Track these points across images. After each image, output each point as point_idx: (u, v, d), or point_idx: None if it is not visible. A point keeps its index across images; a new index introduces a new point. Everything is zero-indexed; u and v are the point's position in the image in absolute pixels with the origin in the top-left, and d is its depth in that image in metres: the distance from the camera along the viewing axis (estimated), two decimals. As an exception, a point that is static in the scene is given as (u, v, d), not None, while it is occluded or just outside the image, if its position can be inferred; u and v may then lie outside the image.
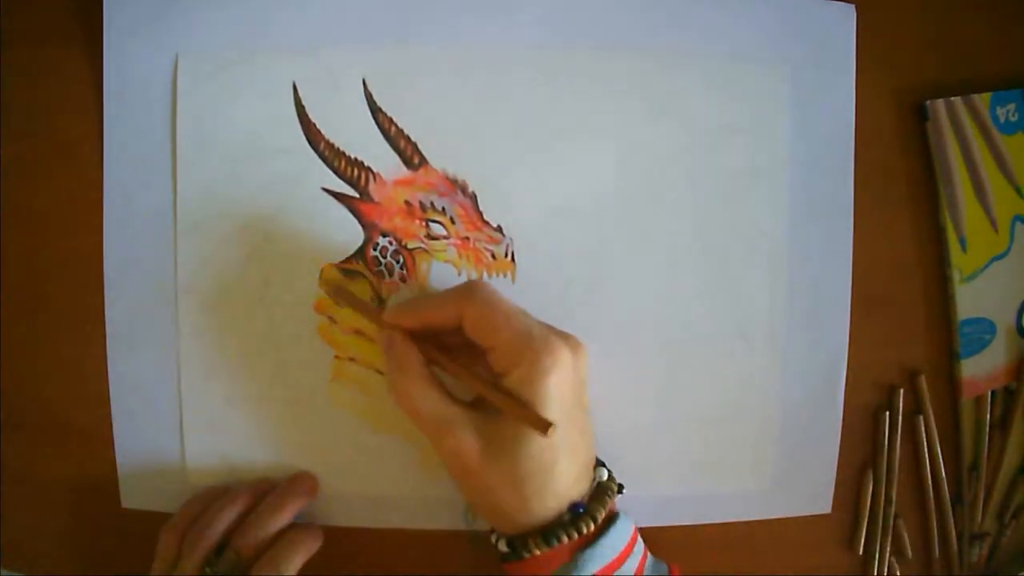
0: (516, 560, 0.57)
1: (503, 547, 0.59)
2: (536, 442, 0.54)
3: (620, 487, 0.62)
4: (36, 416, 0.69)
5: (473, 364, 0.60)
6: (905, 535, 0.72)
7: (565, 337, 0.56)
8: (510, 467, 0.55)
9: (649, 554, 0.62)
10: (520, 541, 0.57)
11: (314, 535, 0.65)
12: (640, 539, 0.61)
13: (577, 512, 0.57)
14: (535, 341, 0.54)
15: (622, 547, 0.58)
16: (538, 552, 0.56)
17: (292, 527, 0.65)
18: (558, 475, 0.55)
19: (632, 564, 0.59)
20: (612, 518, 0.59)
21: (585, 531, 0.56)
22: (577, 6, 0.67)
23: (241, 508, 0.64)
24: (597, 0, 0.67)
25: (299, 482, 0.66)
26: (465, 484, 0.58)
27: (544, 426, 0.52)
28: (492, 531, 0.61)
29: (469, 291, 0.57)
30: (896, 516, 0.72)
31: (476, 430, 0.55)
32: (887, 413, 0.71)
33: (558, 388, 0.54)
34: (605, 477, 0.60)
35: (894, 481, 0.71)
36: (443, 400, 0.57)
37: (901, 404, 0.71)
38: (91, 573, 0.70)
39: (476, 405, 0.58)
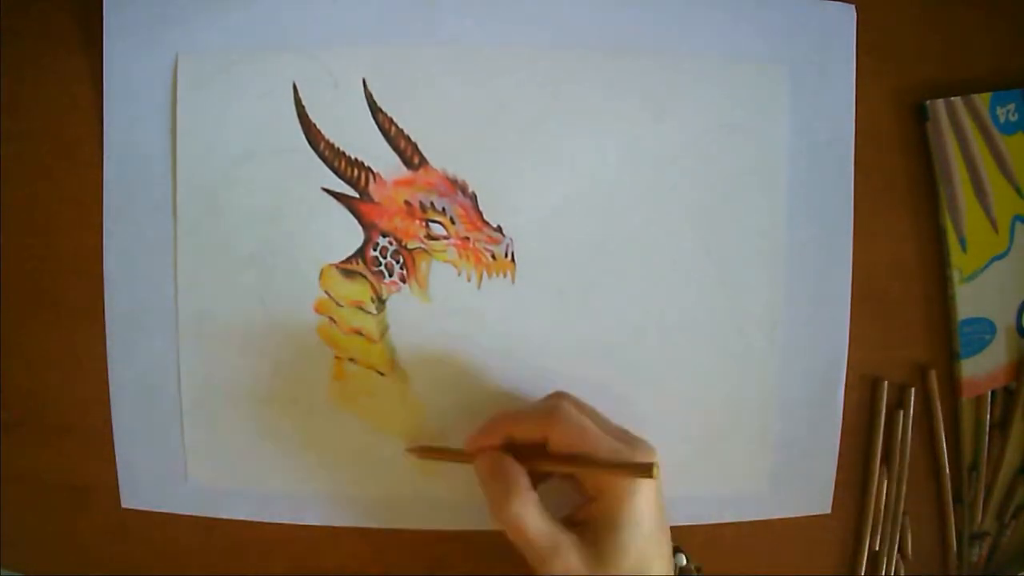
0: None
1: None
2: (635, 554, 0.55)
3: (698, 568, 0.64)
4: (36, 415, 0.69)
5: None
6: (908, 535, 0.72)
7: (643, 449, 0.58)
8: None
9: None
10: None
11: None
12: None
13: None
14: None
15: None
16: None
17: None
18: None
19: None
20: None
21: None
22: (577, 7, 0.67)
23: None
24: (597, 1, 0.67)
25: None
26: None
27: (648, 470, 0.53)
28: None
29: (555, 411, 0.58)
30: (897, 516, 0.72)
31: (580, 551, 0.56)
32: (887, 413, 0.71)
33: (646, 504, 0.56)
34: (684, 562, 0.63)
35: (895, 481, 0.71)
36: (549, 523, 0.57)
37: (901, 404, 0.71)
38: (91, 573, 0.70)
39: (574, 524, 0.58)
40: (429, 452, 0.67)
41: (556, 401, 0.60)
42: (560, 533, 0.56)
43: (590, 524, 0.57)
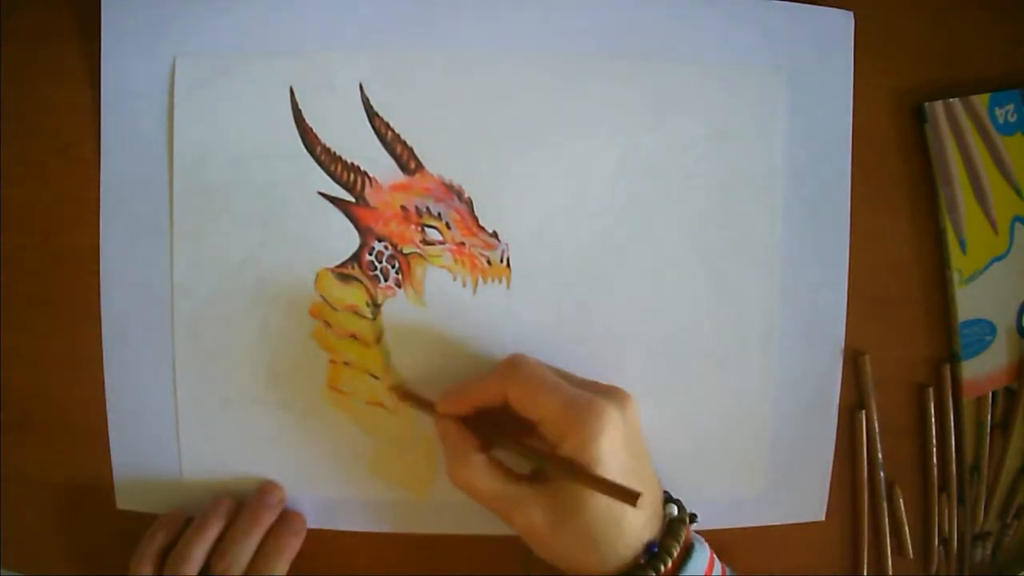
0: None
1: None
2: (601, 502, 0.55)
3: (693, 516, 0.63)
4: (35, 416, 0.70)
5: (528, 437, 0.60)
6: (907, 535, 0.72)
7: (610, 394, 0.58)
8: (581, 530, 0.55)
9: (728, 570, 0.63)
10: None
11: (297, 529, 0.67)
12: (717, 561, 0.61)
13: (652, 552, 0.57)
14: (580, 408, 0.55)
15: (701, 574, 0.59)
16: None
17: (272, 529, 0.66)
18: (627, 527, 0.56)
19: None
20: (689, 549, 0.59)
21: (663, 569, 0.56)
22: (575, 12, 0.66)
23: (215, 533, 0.65)
24: (594, 6, 0.67)
25: (267, 495, 0.67)
26: (541, 550, 0.58)
27: (633, 498, 0.52)
28: None
29: (510, 369, 0.59)
30: (897, 516, 0.72)
31: (541, 503, 0.56)
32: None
33: (611, 448, 0.55)
34: (675, 512, 0.61)
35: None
36: (503, 480, 0.58)
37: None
38: (89, 573, 0.71)
39: (535, 476, 0.59)
40: (411, 396, 0.66)
41: (512, 358, 0.60)
42: (517, 489, 0.57)
43: (552, 474, 0.57)
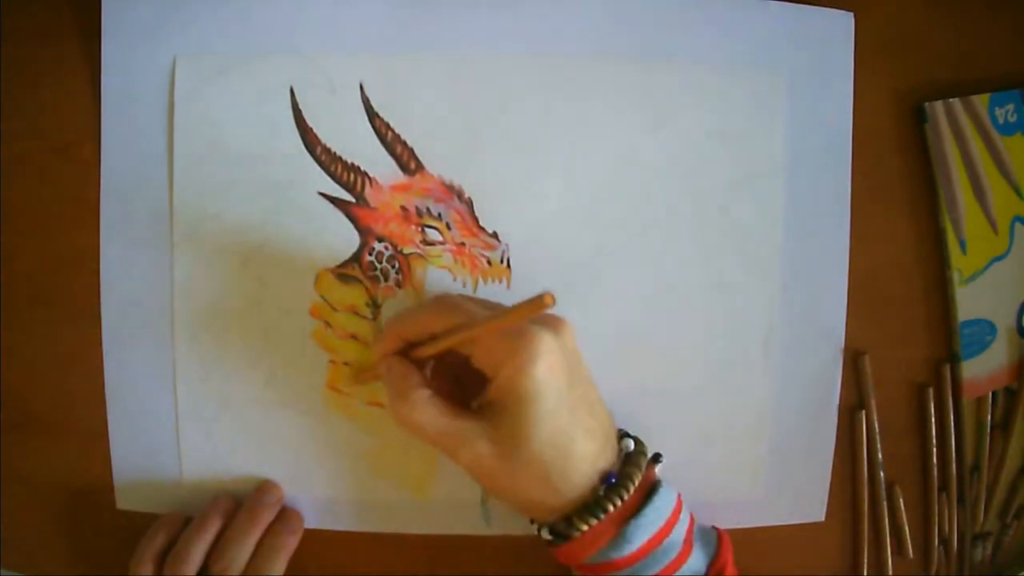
0: (565, 541, 0.57)
1: (546, 535, 0.59)
2: (547, 429, 0.53)
3: (657, 456, 0.62)
4: (35, 416, 0.69)
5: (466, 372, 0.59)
6: (907, 535, 0.72)
7: (544, 320, 0.55)
8: (529, 460, 0.54)
9: (695, 521, 0.62)
10: (563, 523, 0.57)
11: (294, 528, 0.67)
12: (685, 506, 0.60)
13: (610, 482, 0.56)
14: (512, 335, 0.53)
15: (668, 514, 0.58)
16: (585, 527, 0.56)
17: (269, 528, 0.66)
18: (578, 455, 0.55)
19: (680, 531, 0.59)
20: (654, 487, 0.58)
21: (625, 497, 0.56)
22: (575, 14, 0.67)
23: (214, 532, 0.65)
24: (594, 8, 0.67)
25: (265, 494, 0.67)
26: (491, 487, 0.58)
27: (541, 301, 0.48)
28: (532, 521, 0.60)
29: (438, 303, 0.57)
30: (897, 516, 0.72)
31: (486, 435, 0.54)
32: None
33: (548, 373, 0.53)
34: (632, 447, 0.60)
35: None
36: (446, 414, 0.56)
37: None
38: (89, 573, 0.71)
39: (480, 412, 0.57)
40: (361, 374, 0.66)
41: (438, 295, 0.58)
42: (461, 422, 0.55)
43: (494, 405, 0.55)
